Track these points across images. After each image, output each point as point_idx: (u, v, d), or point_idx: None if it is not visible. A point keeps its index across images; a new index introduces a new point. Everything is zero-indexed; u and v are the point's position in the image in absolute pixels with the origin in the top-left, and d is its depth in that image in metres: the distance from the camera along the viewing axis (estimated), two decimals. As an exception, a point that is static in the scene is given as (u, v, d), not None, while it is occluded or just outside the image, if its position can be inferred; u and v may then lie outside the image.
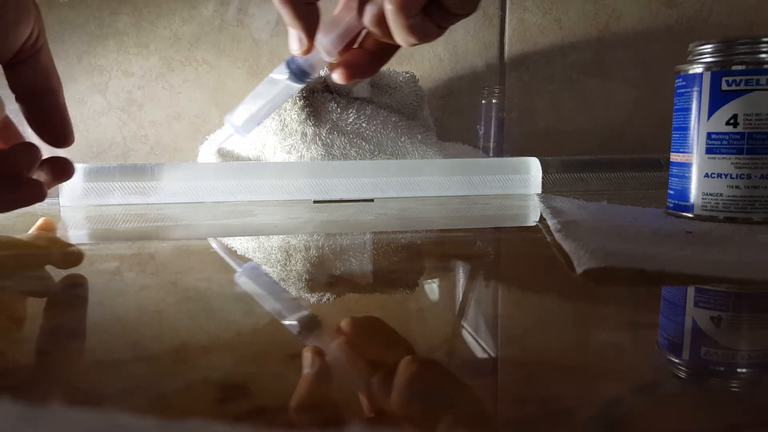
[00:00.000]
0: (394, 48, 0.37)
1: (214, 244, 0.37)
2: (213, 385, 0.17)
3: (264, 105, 0.40)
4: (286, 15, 0.35)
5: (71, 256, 0.35)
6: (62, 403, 0.15)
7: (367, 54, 0.38)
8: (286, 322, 0.23)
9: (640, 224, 0.38)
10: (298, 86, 0.40)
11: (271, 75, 0.40)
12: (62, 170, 0.40)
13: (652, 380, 0.18)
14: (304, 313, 0.24)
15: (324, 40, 0.36)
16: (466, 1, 0.33)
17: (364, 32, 0.37)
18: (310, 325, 0.22)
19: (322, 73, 0.57)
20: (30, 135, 0.40)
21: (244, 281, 0.29)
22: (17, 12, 0.35)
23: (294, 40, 0.37)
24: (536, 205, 0.50)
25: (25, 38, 0.36)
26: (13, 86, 0.39)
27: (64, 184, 0.50)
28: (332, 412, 0.15)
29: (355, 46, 0.38)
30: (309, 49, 0.36)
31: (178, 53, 0.71)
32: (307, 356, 0.18)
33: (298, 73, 0.39)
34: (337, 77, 0.37)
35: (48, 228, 0.43)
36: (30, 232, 0.42)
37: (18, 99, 0.39)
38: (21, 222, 0.46)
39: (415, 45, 0.34)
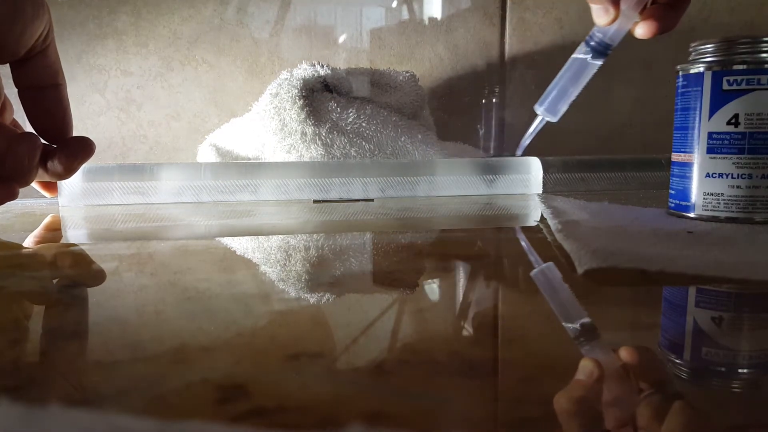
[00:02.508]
0: None
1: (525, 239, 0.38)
2: (212, 385, 0.17)
3: (570, 86, 0.42)
4: None
5: (70, 256, 0.35)
6: (61, 403, 0.15)
7: (665, 7, 0.39)
8: (568, 326, 0.23)
9: (641, 224, 0.37)
10: (599, 63, 0.41)
11: (573, 56, 0.42)
12: (83, 149, 0.39)
13: (653, 380, 0.18)
14: (586, 320, 0.23)
15: (626, 6, 0.38)
16: None
17: None
18: (591, 335, 0.22)
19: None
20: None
21: (539, 280, 0.29)
22: (34, 8, 0.35)
23: (600, 13, 0.38)
24: (537, 205, 0.50)
25: (38, 34, 0.36)
26: (20, 81, 0.38)
27: (63, 183, 0.50)
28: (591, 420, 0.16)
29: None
30: (616, 16, 0.38)
31: (177, 53, 0.71)
32: (585, 365, 0.18)
33: (600, 48, 0.40)
34: (644, 32, 0.39)
35: (54, 227, 0.43)
36: (36, 231, 0.42)
37: (21, 94, 0.39)
38: (20, 222, 0.46)
39: None
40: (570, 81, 0.42)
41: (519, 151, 0.47)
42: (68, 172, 0.39)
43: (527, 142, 0.45)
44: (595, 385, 0.17)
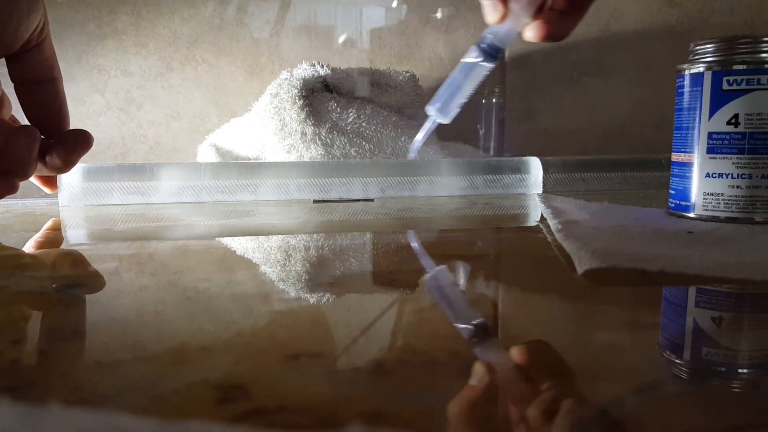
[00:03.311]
0: (588, 3, 0.38)
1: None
2: (212, 385, 0.17)
3: (461, 89, 0.42)
4: None
5: (70, 256, 0.35)
6: (61, 403, 0.15)
7: (559, 14, 0.38)
8: (460, 326, 0.23)
9: (641, 224, 0.37)
10: (490, 65, 0.41)
11: (463, 60, 0.41)
12: (81, 142, 0.39)
13: (653, 380, 0.18)
14: (479, 321, 0.23)
15: (517, 6, 0.37)
16: None
17: None
18: (483, 335, 0.22)
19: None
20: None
21: (429, 284, 0.29)
22: (29, 2, 0.35)
23: (488, 10, 0.38)
24: (537, 205, 0.50)
25: (34, 27, 0.36)
26: (16, 75, 0.38)
27: (63, 183, 0.50)
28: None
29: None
30: (505, 14, 0.37)
31: (177, 52, 0.71)
32: (477, 370, 0.18)
33: (490, 51, 0.40)
34: (532, 35, 0.38)
35: (54, 227, 0.43)
36: (40, 232, 0.41)
37: (17, 88, 0.39)
38: (20, 222, 0.46)
39: None
40: (461, 84, 0.42)
41: (412, 154, 0.47)
42: (67, 165, 0.39)
43: (419, 144, 0.45)
44: (487, 388, 0.17)
